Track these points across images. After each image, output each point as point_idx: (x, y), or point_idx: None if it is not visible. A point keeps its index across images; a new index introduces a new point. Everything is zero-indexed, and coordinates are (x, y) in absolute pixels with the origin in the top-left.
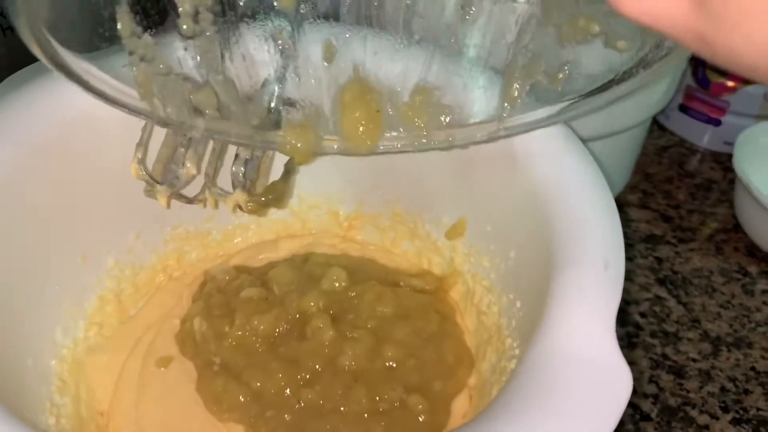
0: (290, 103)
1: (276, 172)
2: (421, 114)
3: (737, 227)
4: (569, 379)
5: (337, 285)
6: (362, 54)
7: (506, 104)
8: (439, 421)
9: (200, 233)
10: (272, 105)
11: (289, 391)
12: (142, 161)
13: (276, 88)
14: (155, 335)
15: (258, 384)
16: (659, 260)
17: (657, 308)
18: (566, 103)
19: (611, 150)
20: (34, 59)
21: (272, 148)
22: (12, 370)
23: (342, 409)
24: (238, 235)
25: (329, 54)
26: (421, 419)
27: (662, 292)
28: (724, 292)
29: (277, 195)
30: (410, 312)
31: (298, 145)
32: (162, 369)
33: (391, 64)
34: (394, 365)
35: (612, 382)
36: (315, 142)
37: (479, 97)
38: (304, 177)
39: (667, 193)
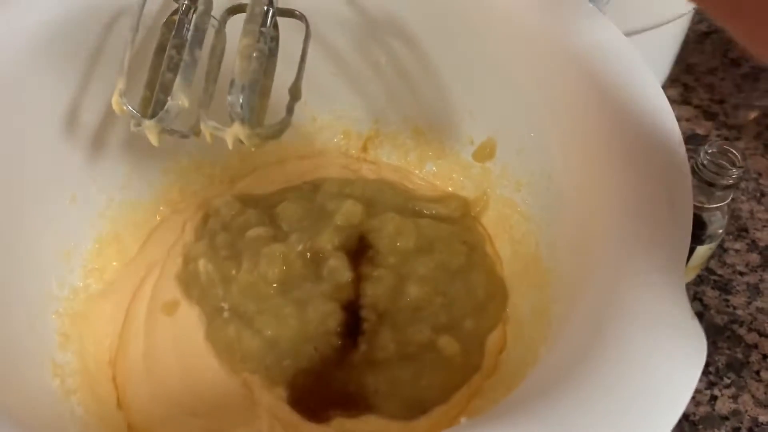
0: None
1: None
2: None
3: None
4: (636, 354)
5: (352, 221)
6: None
7: None
8: (473, 363)
9: (199, 160)
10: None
11: (307, 339)
12: (124, 93)
13: None
14: (159, 276)
15: (269, 332)
16: None
17: None
18: None
19: (652, 44)
20: None
21: None
22: (3, 335)
23: (367, 355)
24: (243, 159)
25: None
26: (453, 361)
27: None
28: None
29: (282, 127)
30: (434, 244)
31: None
32: (169, 317)
33: None
34: (420, 305)
35: (685, 353)
36: None
37: None
38: (315, 95)
39: (710, 86)
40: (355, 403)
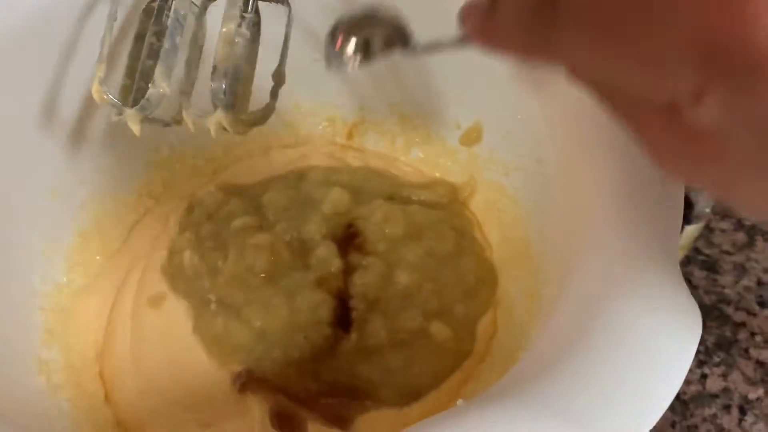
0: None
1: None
2: None
3: None
4: (628, 332)
5: (339, 208)
6: None
7: None
8: (464, 348)
9: (182, 151)
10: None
11: (296, 329)
12: (104, 81)
13: None
14: (144, 269)
15: (258, 323)
16: None
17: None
18: None
19: None
20: None
21: None
22: None
23: (358, 343)
24: (226, 150)
25: None
26: (444, 347)
27: None
28: None
29: (266, 113)
30: (423, 231)
31: None
32: (155, 310)
33: None
34: (410, 291)
35: (679, 329)
36: None
37: None
38: (299, 82)
39: None
40: (347, 392)
